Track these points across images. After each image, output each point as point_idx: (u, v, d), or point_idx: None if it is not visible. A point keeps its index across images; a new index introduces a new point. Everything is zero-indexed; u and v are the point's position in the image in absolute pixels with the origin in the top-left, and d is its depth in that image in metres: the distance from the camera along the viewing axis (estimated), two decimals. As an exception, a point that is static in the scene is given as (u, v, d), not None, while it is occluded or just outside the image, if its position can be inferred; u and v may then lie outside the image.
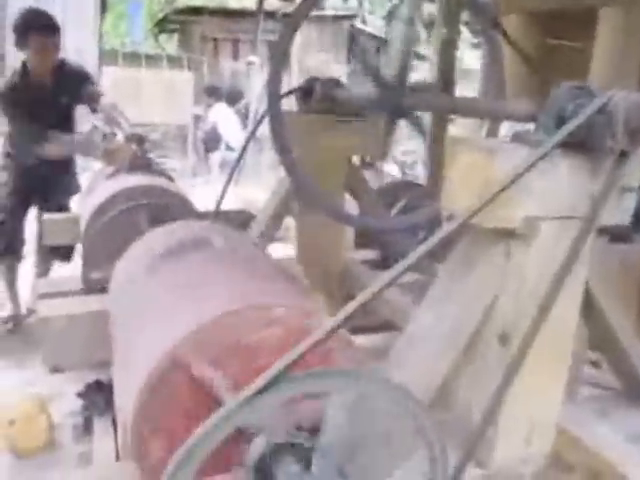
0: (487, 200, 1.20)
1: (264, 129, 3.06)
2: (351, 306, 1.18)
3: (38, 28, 3.41)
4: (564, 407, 1.59)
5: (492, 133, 2.20)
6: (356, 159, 3.40)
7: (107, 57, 11.31)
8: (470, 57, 16.24)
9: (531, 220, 1.36)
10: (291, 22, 2.06)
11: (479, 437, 1.41)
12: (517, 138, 1.39)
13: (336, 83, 2.77)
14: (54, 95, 3.58)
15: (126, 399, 1.43)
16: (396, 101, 2.19)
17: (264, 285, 1.63)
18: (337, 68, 14.00)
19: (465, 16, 5.89)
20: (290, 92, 2.89)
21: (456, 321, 1.46)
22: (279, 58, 2.11)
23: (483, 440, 1.42)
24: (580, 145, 1.34)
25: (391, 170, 8.63)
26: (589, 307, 1.61)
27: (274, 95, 2.18)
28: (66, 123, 3.71)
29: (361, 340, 2.71)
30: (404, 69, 2.23)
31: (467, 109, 1.89)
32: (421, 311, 1.52)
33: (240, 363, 1.35)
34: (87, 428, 2.53)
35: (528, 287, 1.41)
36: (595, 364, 2.49)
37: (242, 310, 1.39)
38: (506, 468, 1.52)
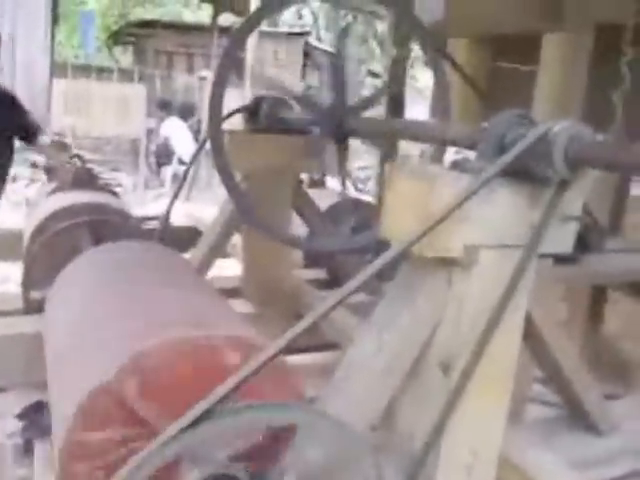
0: (426, 229, 1.19)
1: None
2: (295, 329, 1.16)
3: None
4: (508, 432, 1.58)
5: (437, 158, 2.21)
6: (304, 177, 3.38)
7: (58, 69, 11.08)
8: (424, 76, 16.53)
9: (471, 249, 1.35)
10: (233, 39, 2.03)
11: (420, 465, 1.39)
12: (457, 166, 1.38)
13: (283, 102, 2.75)
14: None
15: (58, 425, 1.37)
16: (337, 124, 2.17)
17: (203, 312, 1.58)
18: (293, 83, 14.06)
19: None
20: (236, 111, 2.85)
21: (397, 349, 1.43)
22: (222, 76, 2.07)
23: (424, 468, 1.40)
24: (520, 173, 1.34)
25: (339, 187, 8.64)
26: (531, 335, 1.61)
27: (216, 115, 2.14)
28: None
29: (306, 359, 2.69)
30: (343, 91, 2.22)
31: (409, 134, 1.88)
32: (362, 337, 1.49)
33: (176, 393, 1.30)
34: (27, 450, 2.42)
35: (469, 315, 1.40)
36: (543, 381, 2.51)
37: (181, 338, 1.33)
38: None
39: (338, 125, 2.15)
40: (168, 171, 10.08)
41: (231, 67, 2.07)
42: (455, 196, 1.24)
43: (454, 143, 1.62)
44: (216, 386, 1.06)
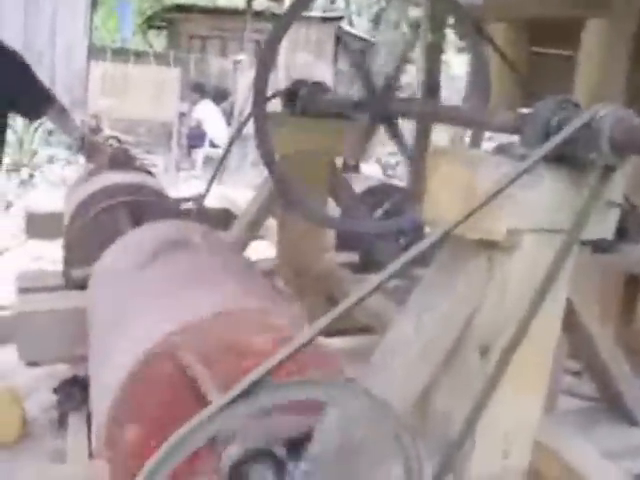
0: (470, 212, 1.19)
1: (249, 128, 3.04)
2: (333, 314, 1.17)
3: None
4: (543, 420, 1.58)
5: (475, 142, 2.20)
6: (339, 162, 3.38)
7: (96, 53, 11.22)
8: (457, 63, 16.32)
9: (513, 232, 1.35)
10: (281, 22, 2.04)
11: (456, 449, 1.40)
12: (500, 151, 1.38)
13: (321, 87, 2.76)
14: None
15: (104, 392, 1.40)
16: (380, 107, 2.17)
17: (250, 289, 1.61)
18: (323, 69, 14.01)
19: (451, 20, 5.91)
20: (276, 94, 2.87)
21: (435, 331, 1.44)
22: (267, 58, 2.09)
23: (460, 452, 1.42)
24: (564, 159, 1.34)
25: (374, 171, 8.64)
26: (570, 320, 1.61)
27: (260, 96, 2.17)
28: None
29: (338, 343, 2.71)
30: (392, 75, 2.22)
31: (451, 118, 1.88)
32: (401, 320, 1.50)
33: (229, 364, 1.32)
34: (62, 423, 2.49)
35: (509, 299, 1.40)
36: (576, 374, 2.50)
37: (235, 312, 1.36)
38: (483, 481, 1.51)
39: (384, 107, 2.15)
40: (199, 154, 10.16)
41: (277, 48, 2.08)
42: (499, 180, 1.24)
43: (497, 128, 1.61)
44: (264, 360, 1.09)
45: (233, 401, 1.04)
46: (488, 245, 1.38)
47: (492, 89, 2.37)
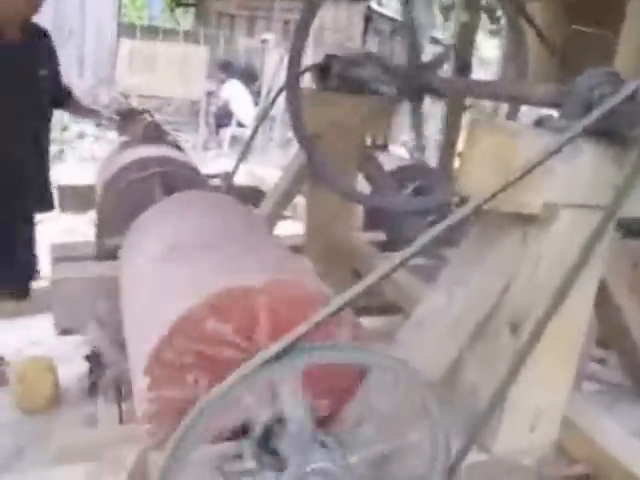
0: (508, 183, 1.19)
1: (275, 108, 3.05)
2: (362, 284, 1.18)
3: None
4: (570, 399, 1.58)
5: (511, 118, 2.17)
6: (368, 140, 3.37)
7: (125, 31, 11.26)
8: (488, 45, 16.04)
9: (550, 206, 1.34)
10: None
11: (483, 421, 1.41)
12: (541, 123, 1.37)
13: (354, 62, 2.74)
14: (28, 64, 2.61)
15: (138, 355, 1.42)
16: (412, 81, 2.16)
17: (282, 261, 1.62)
18: (353, 48, 13.88)
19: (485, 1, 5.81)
20: (307, 69, 2.85)
21: (467, 305, 1.45)
22: (302, 33, 2.08)
23: (487, 425, 1.42)
24: (606, 133, 1.32)
25: (400, 153, 8.59)
26: (602, 299, 1.60)
27: (293, 72, 2.16)
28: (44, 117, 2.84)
29: (363, 322, 2.72)
30: (416, 49, 2.20)
31: (486, 92, 1.86)
32: (432, 293, 1.51)
33: (259, 330, 1.34)
34: (93, 391, 2.55)
35: (543, 275, 1.40)
36: (601, 361, 2.49)
37: (266, 281, 1.37)
38: (510, 454, 1.52)
39: (413, 84, 2.14)
40: (227, 133, 10.18)
41: (311, 22, 2.07)
42: (538, 153, 1.23)
43: (537, 102, 1.59)
44: (296, 325, 1.10)
45: (268, 361, 1.06)
46: (523, 219, 1.37)
47: (529, 69, 2.34)
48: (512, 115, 2.20)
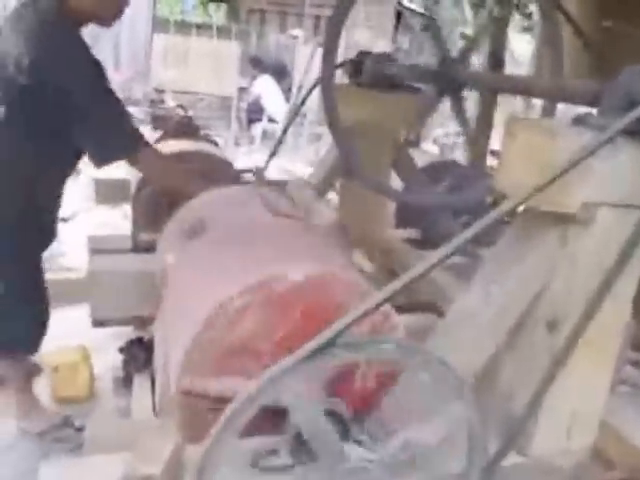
0: (547, 182, 1.17)
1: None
2: (400, 282, 1.17)
3: None
4: (607, 402, 1.56)
5: (547, 114, 2.14)
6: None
7: (159, 25, 11.34)
8: (519, 41, 15.82)
9: (589, 206, 1.32)
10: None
11: (520, 424, 1.40)
12: (580, 121, 1.35)
13: (386, 58, 2.74)
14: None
15: (176, 345, 1.44)
16: (450, 77, 2.15)
17: (325, 252, 1.62)
18: (383, 45, 13.81)
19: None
20: (340, 65, 2.86)
21: (504, 304, 1.43)
22: (336, 27, 2.09)
23: (524, 427, 1.41)
24: (644, 131, 1.29)
25: (432, 151, 8.53)
26: (640, 300, 1.57)
27: (328, 68, 2.17)
28: None
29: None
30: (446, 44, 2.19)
31: (525, 88, 1.83)
32: (469, 291, 1.50)
33: (296, 325, 1.36)
34: (126, 382, 2.59)
35: (581, 274, 1.38)
36: (637, 364, 2.45)
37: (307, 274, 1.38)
38: (546, 458, 1.50)
39: (449, 78, 2.13)
40: (258, 128, 10.22)
41: (346, 17, 2.08)
42: (577, 151, 1.21)
43: (575, 99, 1.57)
44: (335, 320, 1.11)
45: (311, 354, 1.06)
46: (561, 218, 1.36)
47: (564, 64, 2.31)
48: (549, 111, 2.17)
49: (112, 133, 2.08)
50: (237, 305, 1.30)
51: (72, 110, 2.01)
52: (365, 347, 1.12)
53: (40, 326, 2.41)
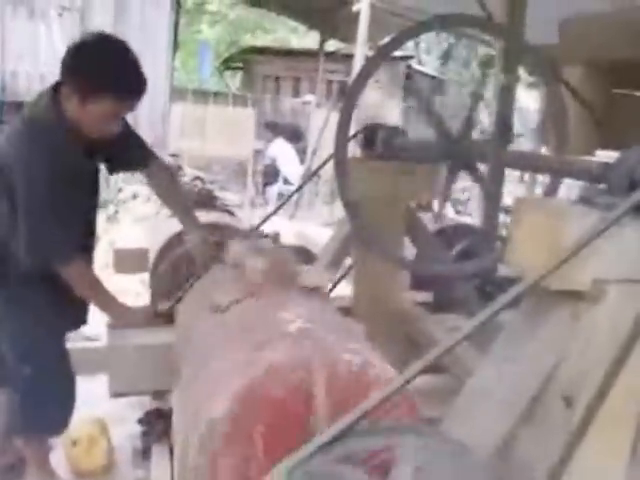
0: (558, 263, 1.21)
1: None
2: (423, 361, 1.20)
3: (135, 92, 2.17)
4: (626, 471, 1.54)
5: (551, 190, 2.19)
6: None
7: (176, 93, 11.68)
8: (526, 97, 16.13)
9: (599, 283, 1.35)
10: (367, 66, 2.10)
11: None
12: (586, 200, 1.39)
13: (397, 131, 2.83)
14: (89, 162, 2.35)
15: (197, 419, 1.47)
16: (460, 153, 2.22)
17: (337, 331, 1.66)
18: (392, 106, 14.13)
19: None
20: (353, 136, 2.95)
21: (518, 381, 1.44)
22: (350, 104, 2.17)
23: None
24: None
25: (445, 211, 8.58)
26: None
27: (342, 141, 2.24)
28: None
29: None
30: (469, 121, 2.26)
31: (531, 165, 1.89)
32: (483, 368, 1.51)
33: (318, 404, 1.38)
34: (145, 453, 2.59)
35: (595, 351, 1.39)
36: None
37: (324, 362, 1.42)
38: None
39: (462, 154, 2.20)
40: (273, 190, 10.41)
41: (360, 93, 2.15)
42: (586, 232, 1.25)
43: (578, 176, 1.62)
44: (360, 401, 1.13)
45: (325, 445, 1.08)
46: (573, 295, 1.38)
47: (570, 133, 2.37)
48: (553, 187, 2.22)
49: (39, 242, 2.14)
50: (258, 386, 1.33)
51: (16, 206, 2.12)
52: (378, 434, 1.14)
53: (69, 407, 2.45)
